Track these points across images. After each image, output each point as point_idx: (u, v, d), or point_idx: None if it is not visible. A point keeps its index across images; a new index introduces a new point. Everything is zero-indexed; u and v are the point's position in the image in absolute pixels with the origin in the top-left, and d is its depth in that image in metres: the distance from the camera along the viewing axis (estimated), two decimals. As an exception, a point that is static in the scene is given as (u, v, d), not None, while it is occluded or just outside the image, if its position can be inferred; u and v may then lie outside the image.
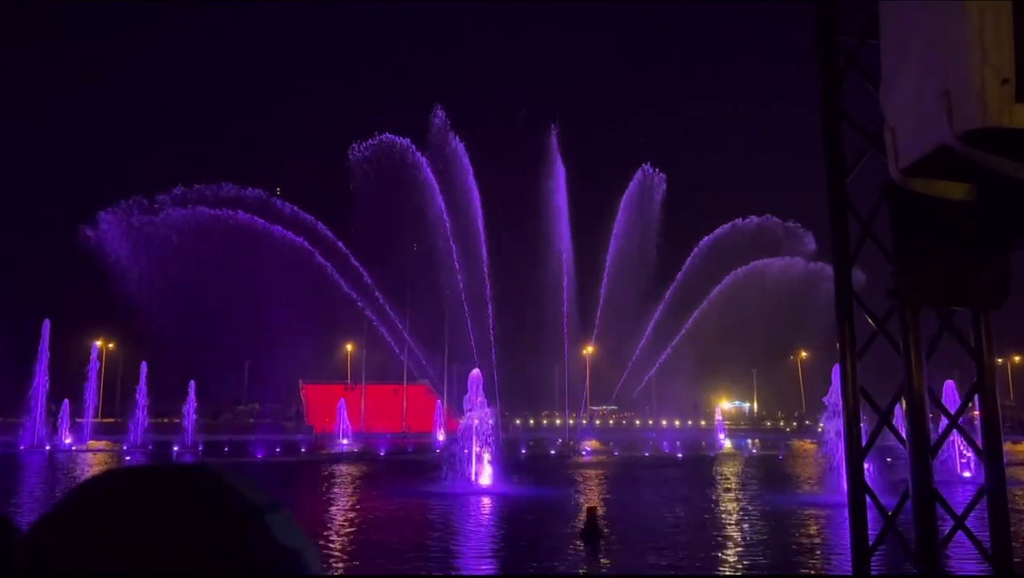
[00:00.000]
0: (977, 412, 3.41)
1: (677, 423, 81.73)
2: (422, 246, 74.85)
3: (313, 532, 18.47)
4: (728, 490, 30.84)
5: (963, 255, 3.07)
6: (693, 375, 78.78)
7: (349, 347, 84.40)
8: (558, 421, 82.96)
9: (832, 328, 3.73)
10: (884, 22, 3.01)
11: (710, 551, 16.95)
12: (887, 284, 3.28)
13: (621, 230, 78.30)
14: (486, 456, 30.16)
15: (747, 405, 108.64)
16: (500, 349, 72.94)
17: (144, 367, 61.13)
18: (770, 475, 36.75)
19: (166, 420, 64.80)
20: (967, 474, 31.40)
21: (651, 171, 77.87)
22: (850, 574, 3.77)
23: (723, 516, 23.04)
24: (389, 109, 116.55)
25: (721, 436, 65.08)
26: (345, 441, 61.30)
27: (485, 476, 29.89)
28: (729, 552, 17.06)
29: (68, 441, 56.61)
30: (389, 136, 73.00)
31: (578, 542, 17.28)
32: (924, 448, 3.32)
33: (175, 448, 52.63)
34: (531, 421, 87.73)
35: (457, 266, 74.85)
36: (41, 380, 58.44)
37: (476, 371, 32.97)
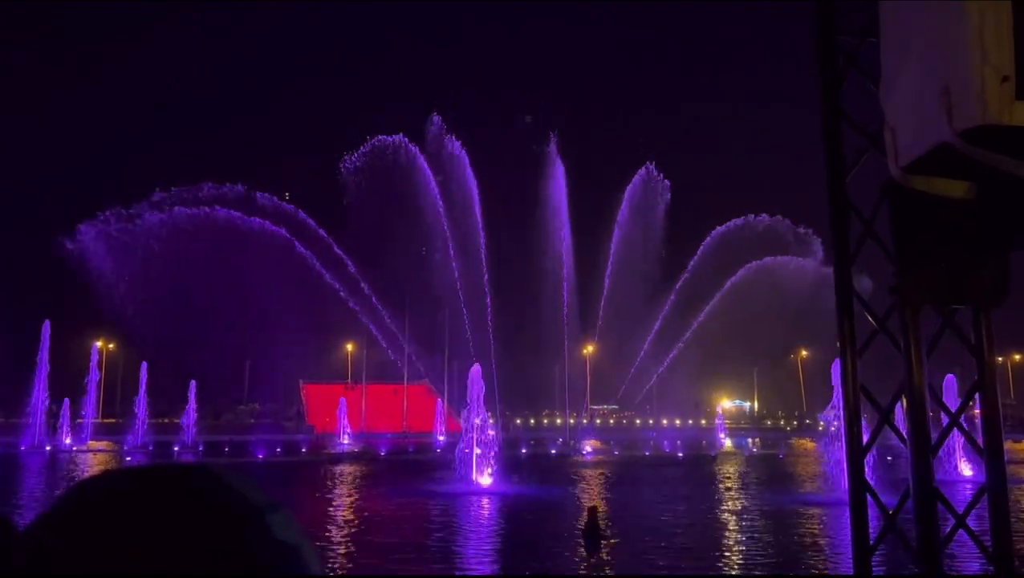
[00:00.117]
0: (978, 410, 3.41)
1: (678, 422, 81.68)
2: (421, 246, 74.97)
3: (314, 532, 18.50)
4: (729, 489, 30.85)
5: (963, 255, 3.07)
6: (694, 374, 78.84)
7: (349, 347, 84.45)
8: (558, 421, 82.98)
9: (833, 327, 3.74)
10: (884, 22, 3.01)
11: (711, 550, 16.95)
12: (888, 282, 3.28)
13: (623, 229, 78.33)
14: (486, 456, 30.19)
15: (748, 404, 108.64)
16: (500, 349, 73.03)
17: (144, 368, 61.18)
18: (771, 474, 36.76)
19: (166, 420, 64.82)
20: (968, 472, 31.42)
21: (656, 175, 77.84)
22: (851, 573, 3.77)
23: (724, 515, 23.05)
24: (389, 109, 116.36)
25: (722, 435, 65.09)
26: (346, 441, 61.32)
27: (485, 476, 29.91)
28: (730, 551, 17.06)
29: (68, 442, 56.63)
30: (383, 138, 73.15)
31: (579, 541, 17.29)
32: (925, 447, 3.32)
33: (176, 448, 52.66)
34: (532, 421, 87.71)
35: (455, 265, 74.97)
36: (42, 381, 58.47)
37: (476, 366, 33.02)
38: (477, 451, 30.10)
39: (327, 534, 18.69)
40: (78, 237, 63.33)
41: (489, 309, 74.94)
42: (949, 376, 34.18)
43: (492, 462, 30.32)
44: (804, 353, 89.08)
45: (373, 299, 75.61)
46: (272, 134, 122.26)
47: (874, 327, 3.69)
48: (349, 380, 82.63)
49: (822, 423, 32.07)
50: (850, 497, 3.68)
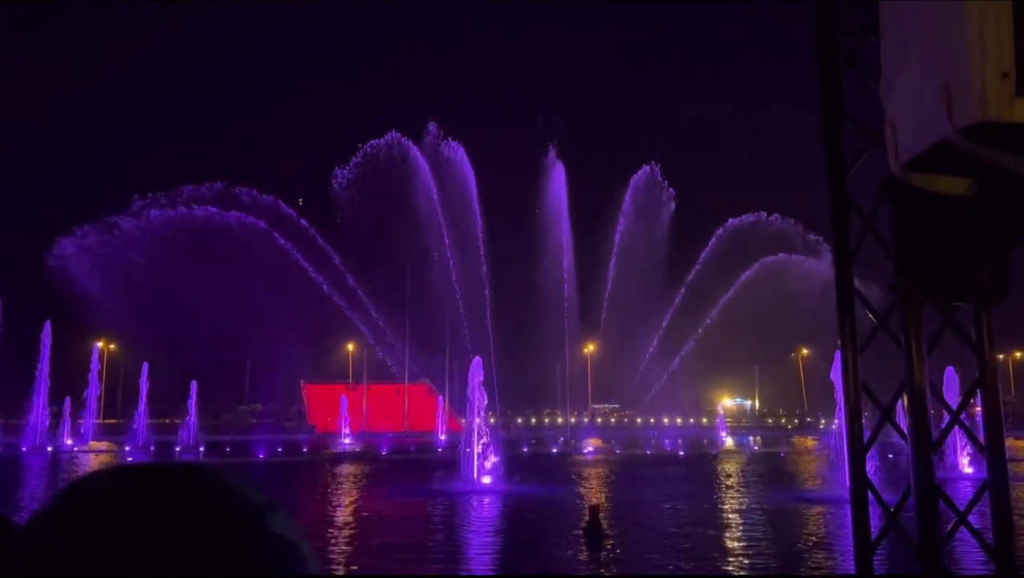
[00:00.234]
0: (979, 408, 3.41)
1: (679, 421, 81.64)
2: (420, 246, 74.98)
3: (316, 532, 18.51)
4: (730, 488, 30.86)
5: (963, 253, 3.07)
6: (695, 372, 78.81)
7: (350, 347, 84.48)
8: (559, 420, 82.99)
9: (834, 325, 3.74)
10: (884, 22, 3.01)
11: (713, 549, 16.96)
12: (887, 279, 3.28)
13: (626, 228, 78.25)
14: (488, 455, 30.20)
15: (748, 402, 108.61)
16: (501, 348, 73.02)
17: (145, 368, 61.22)
18: (773, 472, 36.76)
19: (168, 420, 64.81)
20: (969, 470, 31.42)
21: (661, 181, 77.68)
22: (853, 572, 3.77)
23: (726, 514, 23.05)
24: (389, 109, 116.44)
25: (723, 434, 65.09)
26: (347, 441, 61.32)
27: (487, 475, 29.92)
28: (732, 550, 17.06)
29: (70, 442, 56.65)
30: (375, 142, 73.16)
31: (581, 540, 17.29)
32: (926, 444, 3.32)
33: (177, 448, 52.67)
34: (533, 420, 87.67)
35: (452, 265, 75.01)
36: (43, 381, 58.47)
37: (477, 359, 33.10)
38: (478, 450, 30.10)
39: (329, 533, 18.69)
40: (57, 252, 62.84)
41: (488, 309, 74.99)
42: (949, 369, 34.11)
43: (493, 461, 30.32)
44: (805, 351, 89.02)
45: (366, 303, 75.76)
46: (272, 134, 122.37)
47: (875, 324, 3.69)
48: (350, 380, 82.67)
49: (834, 422, 32.05)
50: (851, 495, 3.69)
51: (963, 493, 20.86)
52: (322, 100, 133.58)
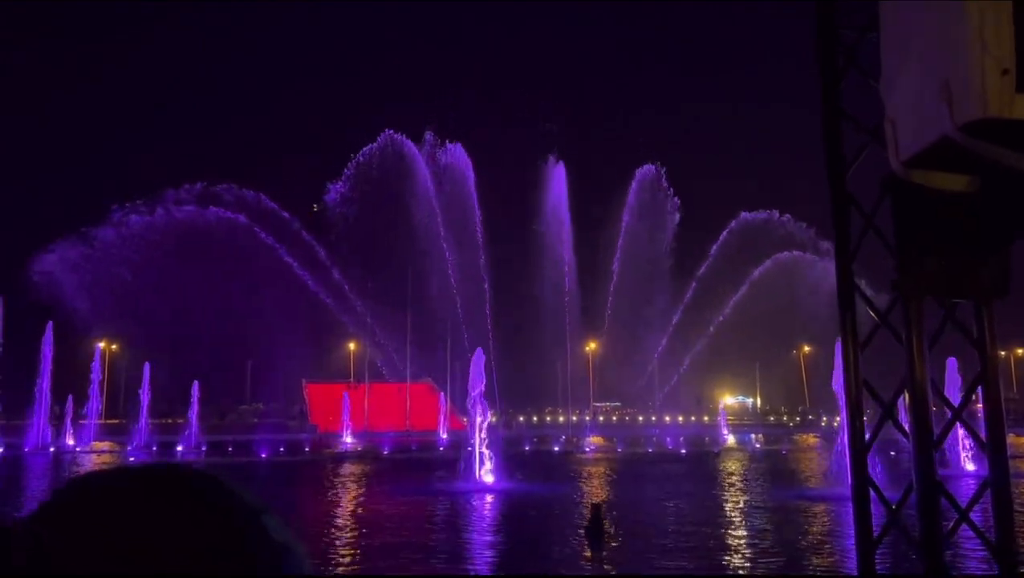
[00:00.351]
0: (980, 404, 3.41)
1: (680, 419, 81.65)
2: (421, 246, 75.05)
3: (319, 532, 18.52)
4: (732, 485, 30.86)
5: (963, 253, 3.07)
6: (697, 370, 78.75)
7: (352, 346, 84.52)
8: (561, 418, 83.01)
9: (835, 322, 3.74)
10: (884, 22, 3.01)
11: (715, 548, 16.96)
12: (889, 276, 3.28)
13: (629, 226, 78.20)
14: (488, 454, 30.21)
15: (750, 400, 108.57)
16: (502, 347, 73.03)
17: (147, 368, 61.27)
18: (774, 470, 36.76)
19: (170, 421, 64.84)
20: (971, 467, 31.40)
21: (666, 188, 77.51)
22: (855, 570, 3.77)
23: (728, 512, 23.06)
24: (389, 109, 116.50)
25: (724, 431, 65.09)
26: (349, 440, 61.35)
27: (489, 473, 29.93)
28: (734, 549, 17.06)
29: (72, 442, 56.73)
30: (369, 148, 73.29)
31: (583, 539, 17.29)
32: (928, 441, 3.32)
33: (179, 448, 52.70)
34: (534, 418, 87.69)
35: (451, 264, 75.06)
36: (45, 382, 58.55)
37: (479, 351, 33.16)
38: (480, 450, 30.11)
39: (332, 533, 18.71)
40: (37, 269, 62.22)
41: (488, 307, 75.02)
42: (950, 359, 34.02)
43: (495, 459, 30.35)
44: (807, 349, 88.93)
45: (354, 302, 75.87)
46: (272, 134, 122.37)
47: (876, 321, 3.69)
48: (352, 379, 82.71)
49: (836, 419, 32.03)
50: (853, 493, 3.69)
51: (965, 490, 20.87)
52: (322, 100, 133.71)
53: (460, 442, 32.74)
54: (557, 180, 76.18)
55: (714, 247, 76.85)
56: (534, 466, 37.08)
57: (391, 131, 73.78)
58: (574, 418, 77.87)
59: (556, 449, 55.75)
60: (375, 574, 14.67)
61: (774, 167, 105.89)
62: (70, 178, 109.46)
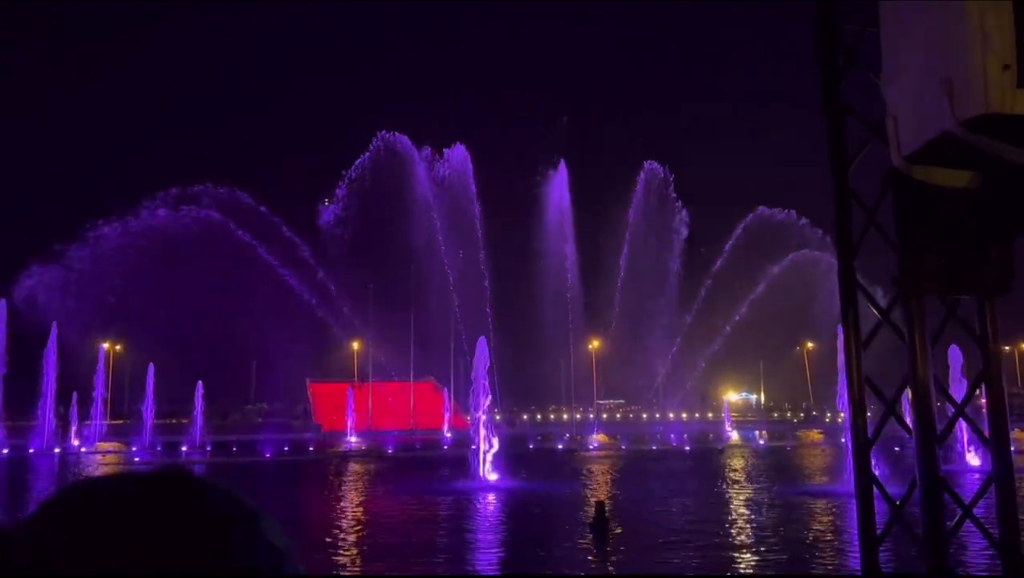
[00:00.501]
0: (984, 400, 3.40)
1: (684, 416, 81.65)
2: (422, 245, 75.12)
3: (323, 531, 18.55)
4: (737, 482, 30.85)
5: (964, 251, 3.07)
6: (702, 367, 78.72)
7: (356, 345, 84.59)
8: (565, 416, 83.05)
9: (837, 319, 3.73)
10: (884, 21, 3.01)
11: (719, 545, 16.94)
12: (890, 271, 3.27)
13: (633, 228, 78.12)
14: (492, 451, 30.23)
15: (754, 397, 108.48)
16: (505, 345, 73.05)
17: (151, 369, 61.32)
18: (779, 466, 36.74)
19: (174, 421, 65.00)
20: (975, 462, 31.32)
21: (674, 199, 77.38)
22: (858, 569, 3.77)
23: (732, 509, 23.05)
24: (389, 109, 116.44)
25: (728, 428, 65.04)
26: (353, 439, 61.43)
27: (492, 471, 29.96)
28: (738, 545, 17.05)
29: (77, 443, 56.85)
30: (373, 144, 73.35)
31: (587, 536, 17.30)
32: (931, 437, 3.31)
33: (184, 448, 52.80)
34: (538, 416, 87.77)
35: (446, 261, 75.15)
36: (50, 383, 58.64)
37: (482, 340, 33.20)
38: (484, 447, 30.13)
39: (336, 533, 18.74)
40: (18, 292, 61.80)
41: (490, 307, 75.04)
42: (953, 347, 33.32)
43: (498, 457, 30.38)
44: (810, 345, 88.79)
45: (346, 309, 76.08)
46: (272, 134, 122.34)
47: (878, 319, 3.68)
48: (356, 378, 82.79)
49: (840, 416, 31.79)
50: (856, 489, 3.69)
51: (969, 486, 20.83)
52: (322, 100, 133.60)
53: (464, 440, 32.73)
54: (558, 178, 76.25)
55: (727, 244, 76.63)
56: (538, 464, 37.09)
57: (385, 131, 73.94)
58: (578, 416, 77.87)
59: (560, 447, 55.78)
60: (375, 574, 14.69)
61: (774, 167, 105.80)
62: (70, 178, 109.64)
